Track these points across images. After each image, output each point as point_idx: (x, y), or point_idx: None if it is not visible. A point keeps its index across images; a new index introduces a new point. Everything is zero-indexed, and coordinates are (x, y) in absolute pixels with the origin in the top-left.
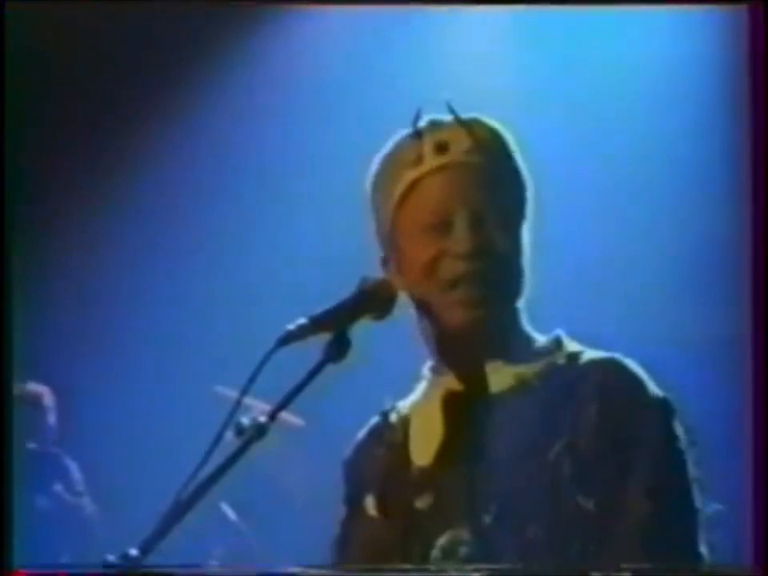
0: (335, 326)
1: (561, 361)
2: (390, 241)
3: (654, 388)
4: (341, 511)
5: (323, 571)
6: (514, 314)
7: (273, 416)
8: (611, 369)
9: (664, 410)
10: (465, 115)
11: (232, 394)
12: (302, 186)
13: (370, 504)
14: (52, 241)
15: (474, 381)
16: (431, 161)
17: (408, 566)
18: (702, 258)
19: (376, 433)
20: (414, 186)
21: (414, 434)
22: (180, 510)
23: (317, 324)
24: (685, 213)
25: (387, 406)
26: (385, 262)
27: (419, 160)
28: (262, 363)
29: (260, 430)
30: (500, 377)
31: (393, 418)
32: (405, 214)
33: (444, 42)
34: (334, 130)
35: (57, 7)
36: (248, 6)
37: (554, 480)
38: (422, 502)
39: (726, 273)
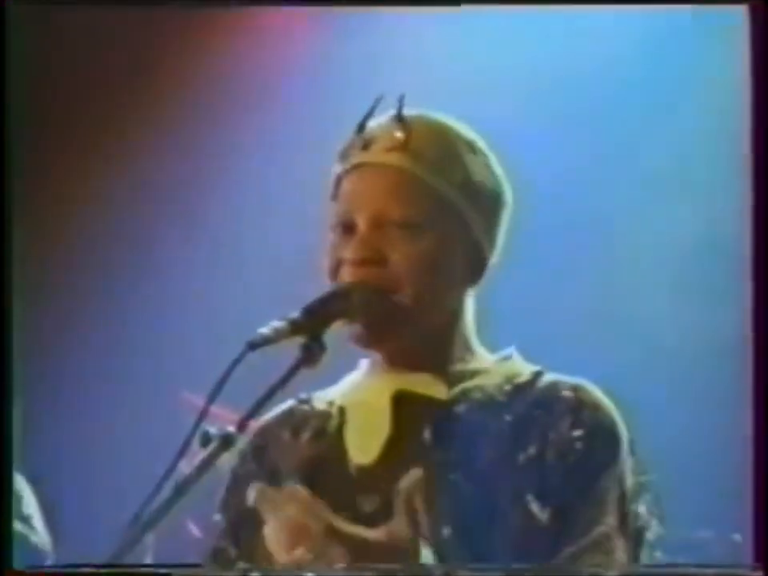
0: (309, 329)
1: (522, 378)
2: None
3: (616, 416)
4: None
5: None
6: (436, 328)
7: (241, 425)
8: (578, 391)
9: (620, 438)
10: (423, 113)
11: (199, 401)
12: (274, 186)
13: (301, 493)
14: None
15: (422, 387)
16: (353, 157)
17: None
18: (701, 260)
19: (298, 418)
20: (338, 181)
21: (354, 429)
22: (142, 527)
23: (290, 327)
24: (684, 213)
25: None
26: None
27: (346, 155)
28: (231, 368)
29: (227, 441)
30: (439, 388)
31: (321, 405)
32: (330, 210)
33: (415, 41)
34: (305, 126)
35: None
36: (216, 6)
37: (512, 494)
38: (368, 504)
39: (726, 275)
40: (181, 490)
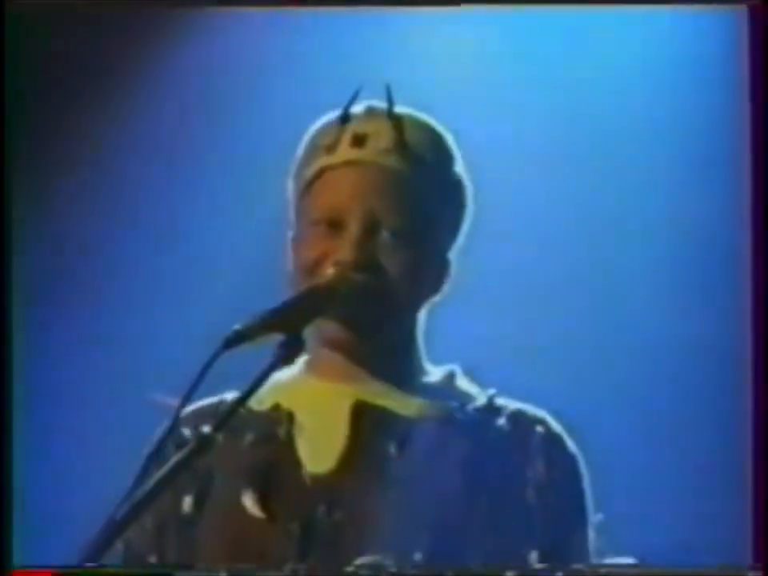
0: (288, 326)
1: (479, 402)
2: (296, 223)
3: (571, 446)
4: (189, 503)
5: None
6: (401, 339)
7: (218, 426)
8: (546, 425)
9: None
10: (408, 110)
11: (172, 401)
12: (243, 183)
13: (249, 501)
14: None
15: (383, 399)
16: (344, 152)
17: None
18: (700, 262)
19: (237, 421)
20: (321, 174)
21: (307, 436)
22: (113, 533)
23: (268, 323)
24: (683, 214)
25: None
26: (291, 241)
27: (333, 148)
28: (206, 367)
29: (204, 443)
30: (401, 402)
31: (260, 407)
32: (307, 202)
33: (398, 41)
34: (263, 127)
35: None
36: (175, 7)
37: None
38: (326, 514)
39: (725, 278)
40: (154, 492)
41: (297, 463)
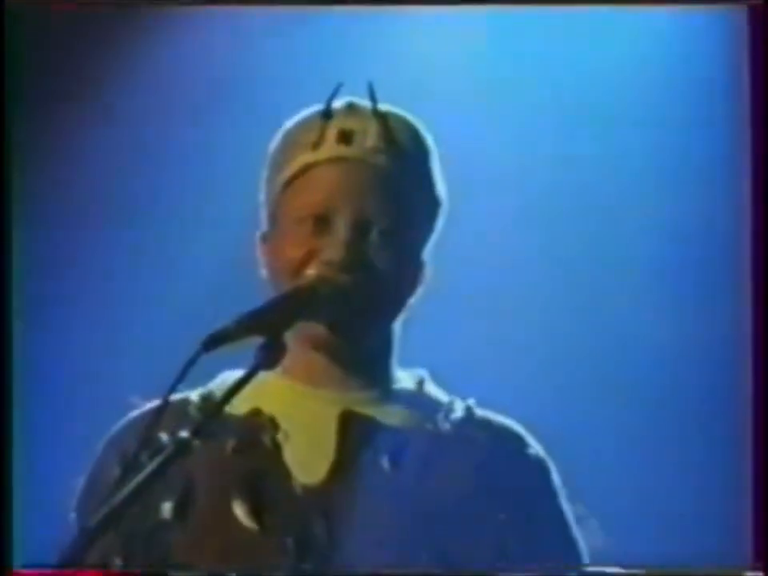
0: (269, 328)
1: (457, 414)
2: (273, 220)
3: (537, 451)
4: (169, 510)
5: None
6: (380, 342)
7: (197, 431)
8: (531, 447)
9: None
10: (389, 107)
11: (149, 405)
12: (222, 184)
13: (240, 511)
14: None
15: (367, 407)
16: (330, 149)
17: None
18: (698, 262)
19: (214, 425)
20: (305, 170)
21: (295, 445)
22: (93, 532)
23: (248, 326)
24: (683, 214)
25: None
26: (264, 239)
27: (318, 144)
28: (185, 370)
29: (182, 448)
30: (385, 410)
31: (237, 411)
32: (289, 198)
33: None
34: (246, 127)
35: None
36: (153, 7)
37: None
38: (319, 526)
39: (724, 278)
40: (130, 499)
41: (286, 473)
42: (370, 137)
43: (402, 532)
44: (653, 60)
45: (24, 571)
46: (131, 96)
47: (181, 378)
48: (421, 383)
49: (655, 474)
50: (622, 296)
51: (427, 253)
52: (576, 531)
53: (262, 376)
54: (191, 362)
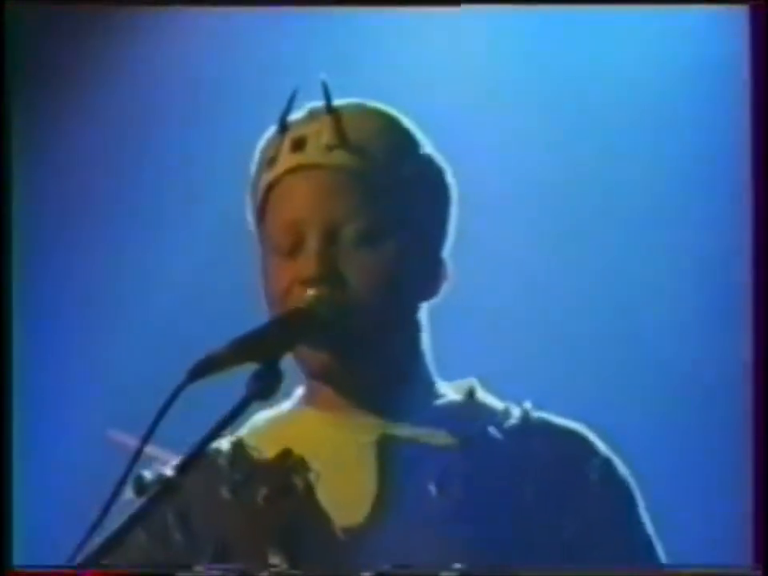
0: (263, 354)
1: (513, 421)
2: (261, 247)
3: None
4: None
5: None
6: (402, 355)
7: (183, 468)
8: (572, 440)
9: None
10: (352, 101)
11: (131, 441)
12: (210, 202)
13: (279, 563)
14: None
15: (399, 429)
16: (284, 160)
17: None
18: (701, 262)
19: (243, 475)
20: (269, 190)
21: (328, 485)
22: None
23: (240, 352)
24: (682, 214)
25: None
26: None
27: (274, 159)
28: (169, 402)
29: (167, 487)
30: (421, 430)
31: (263, 456)
32: (267, 225)
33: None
34: (227, 134)
35: None
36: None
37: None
38: (369, 570)
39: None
40: (112, 542)
41: (324, 517)
42: (323, 136)
43: (458, 559)
44: (653, 60)
45: (24, 571)
46: (127, 96)
47: (165, 410)
48: (471, 393)
49: (655, 474)
50: (636, 297)
51: (446, 251)
52: (653, 532)
53: (284, 410)
54: (176, 394)
